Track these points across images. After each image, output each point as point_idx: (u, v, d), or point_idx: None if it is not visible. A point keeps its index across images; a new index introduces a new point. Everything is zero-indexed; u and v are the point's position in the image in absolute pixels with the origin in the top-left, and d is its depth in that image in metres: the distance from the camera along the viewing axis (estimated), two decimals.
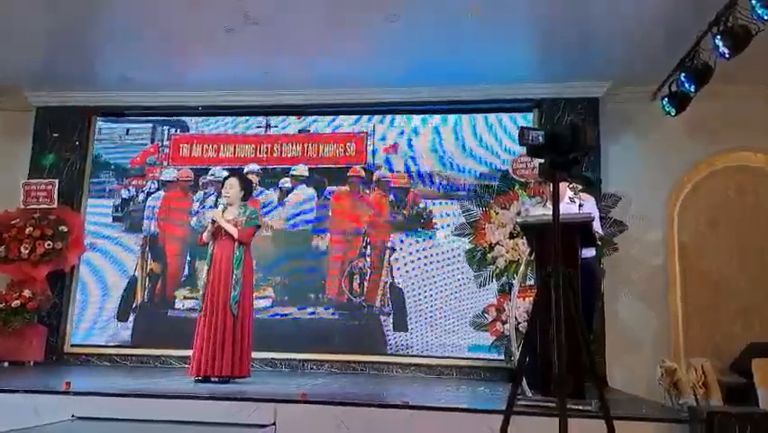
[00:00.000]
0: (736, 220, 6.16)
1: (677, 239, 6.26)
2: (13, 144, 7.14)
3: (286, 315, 6.59)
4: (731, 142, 6.28)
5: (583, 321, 2.63)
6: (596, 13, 5.07)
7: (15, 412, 3.71)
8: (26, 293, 6.18)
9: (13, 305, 6.08)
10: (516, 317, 4.92)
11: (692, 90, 5.33)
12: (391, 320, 6.49)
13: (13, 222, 6.49)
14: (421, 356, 6.34)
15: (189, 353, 4.90)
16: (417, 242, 6.61)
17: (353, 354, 6.37)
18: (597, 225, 4.34)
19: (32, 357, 6.27)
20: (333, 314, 6.57)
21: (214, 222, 4.92)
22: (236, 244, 4.89)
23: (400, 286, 6.55)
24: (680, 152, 6.32)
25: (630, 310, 6.16)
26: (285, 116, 7.09)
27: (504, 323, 5.62)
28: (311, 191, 6.89)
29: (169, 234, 7.00)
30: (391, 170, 6.79)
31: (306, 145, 6.99)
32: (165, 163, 7.15)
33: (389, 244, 6.64)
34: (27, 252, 6.28)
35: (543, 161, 2.57)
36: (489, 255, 5.92)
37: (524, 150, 2.61)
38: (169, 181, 7.10)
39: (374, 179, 6.80)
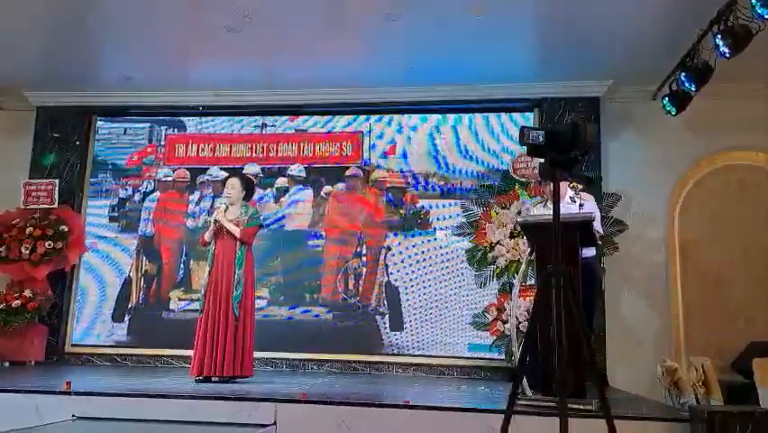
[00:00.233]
0: (737, 219, 6.15)
1: (677, 238, 6.26)
2: (13, 144, 7.15)
3: (281, 315, 6.58)
4: (732, 141, 6.28)
5: (584, 320, 2.63)
6: (596, 12, 5.06)
7: (16, 412, 3.72)
8: (27, 293, 6.19)
9: (13, 305, 6.09)
10: (516, 317, 4.92)
11: (693, 89, 5.33)
12: (387, 320, 6.48)
13: (13, 222, 6.50)
14: (421, 356, 6.34)
15: (190, 353, 4.89)
16: (415, 243, 6.59)
17: (351, 353, 6.37)
18: (597, 225, 4.34)
19: (33, 357, 6.28)
20: (328, 312, 6.56)
21: (216, 222, 4.92)
22: (238, 243, 4.90)
23: (396, 285, 6.54)
24: (680, 151, 6.32)
25: (631, 309, 6.16)
26: (282, 116, 7.09)
27: (504, 322, 5.62)
28: (307, 191, 6.88)
29: (165, 235, 6.98)
30: (389, 170, 6.78)
31: (301, 145, 6.98)
32: (161, 163, 7.14)
33: (386, 244, 6.63)
34: (28, 252, 6.29)
35: (543, 160, 2.57)
36: (489, 255, 5.92)
37: (524, 149, 2.61)
38: (164, 181, 7.09)
39: (371, 178, 6.79)
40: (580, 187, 4.35)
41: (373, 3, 5.09)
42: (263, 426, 3.57)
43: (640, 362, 5.80)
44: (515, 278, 5.34)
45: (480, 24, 5.31)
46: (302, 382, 5.14)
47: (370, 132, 6.90)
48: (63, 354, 6.65)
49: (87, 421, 3.67)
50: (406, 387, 5.13)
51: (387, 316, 6.50)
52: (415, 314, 6.47)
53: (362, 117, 6.94)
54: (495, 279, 5.92)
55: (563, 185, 4.23)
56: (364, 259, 6.66)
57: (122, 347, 6.67)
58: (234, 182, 5.08)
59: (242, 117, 7.13)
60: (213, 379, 4.69)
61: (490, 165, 6.61)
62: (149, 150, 7.20)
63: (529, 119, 6.63)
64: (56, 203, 6.63)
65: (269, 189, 6.91)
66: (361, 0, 5.08)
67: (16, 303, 6.09)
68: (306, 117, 7.04)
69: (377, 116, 6.91)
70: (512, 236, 5.81)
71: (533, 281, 5.00)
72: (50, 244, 6.33)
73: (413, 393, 4.55)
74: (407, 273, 6.55)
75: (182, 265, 6.89)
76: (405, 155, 6.81)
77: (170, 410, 3.71)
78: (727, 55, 4.57)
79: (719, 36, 4.57)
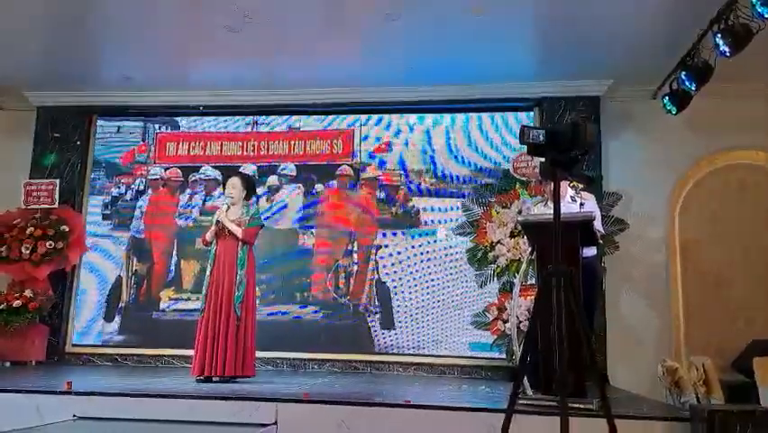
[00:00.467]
0: (737, 218, 6.15)
1: (678, 237, 6.26)
2: (13, 144, 7.15)
3: (273, 313, 6.56)
4: (732, 140, 6.27)
5: (585, 319, 2.63)
6: (596, 12, 5.06)
7: (17, 412, 3.71)
8: (27, 293, 6.19)
9: (14, 305, 6.09)
10: (517, 316, 4.92)
11: (693, 89, 5.33)
12: (377, 319, 6.48)
13: (14, 222, 6.50)
14: (422, 355, 6.34)
15: (191, 353, 4.90)
16: (407, 241, 6.59)
17: (346, 353, 6.37)
18: (598, 224, 4.34)
19: (34, 357, 6.28)
20: (316, 312, 6.54)
21: (218, 222, 4.92)
22: (240, 244, 4.89)
23: (386, 283, 6.54)
24: (681, 151, 6.32)
25: (631, 309, 6.16)
26: (282, 116, 7.08)
27: (505, 322, 5.62)
28: (299, 189, 6.87)
29: (156, 234, 6.96)
30: (381, 168, 6.77)
31: (293, 143, 6.96)
32: (153, 162, 7.12)
33: (377, 243, 6.62)
34: (28, 252, 6.29)
35: (543, 159, 2.57)
36: (490, 254, 5.92)
37: (524, 148, 2.61)
38: (155, 180, 7.08)
39: (363, 177, 6.78)
40: (581, 186, 4.35)
41: (373, 3, 5.09)
42: (264, 425, 3.57)
43: (640, 361, 5.80)
44: (515, 277, 5.34)
45: (480, 24, 5.31)
46: (302, 381, 5.14)
47: (360, 126, 6.88)
48: (64, 354, 6.64)
49: (88, 421, 3.67)
50: (406, 386, 5.13)
51: (378, 314, 6.49)
52: (406, 313, 6.46)
53: (363, 117, 6.92)
54: (495, 278, 5.91)
55: (564, 184, 4.24)
56: (355, 257, 6.65)
57: (122, 347, 6.66)
58: (235, 182, 5.07)
59: (234, 116, 7.12)
60: (214, 379, 4.69)
61: (488, 164, 6.61)
62: (142, 148, 7.18)
63: (530, 118, 6.62)
64: (56, 203, 6.63)
65: (260, 188, 6.90)
66: (360, 0, 5.08)
67: (17, 303, 6.09)
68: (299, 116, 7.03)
69: (373, 115, 6.89)
70: (512, 236, 5.81)
71: (533, 281, 5.01)
72: (50, 244, 6.33)
73: (413, 393, 4.55)
74: (397, 271, 6.55)
75: (173, 265, 6.87)
76: (398, 153, 6.78)
77: (171, 410, 3.71)
78: (728, 54, 4.57)
79: (719, 35, 4.57)
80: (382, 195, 6.73)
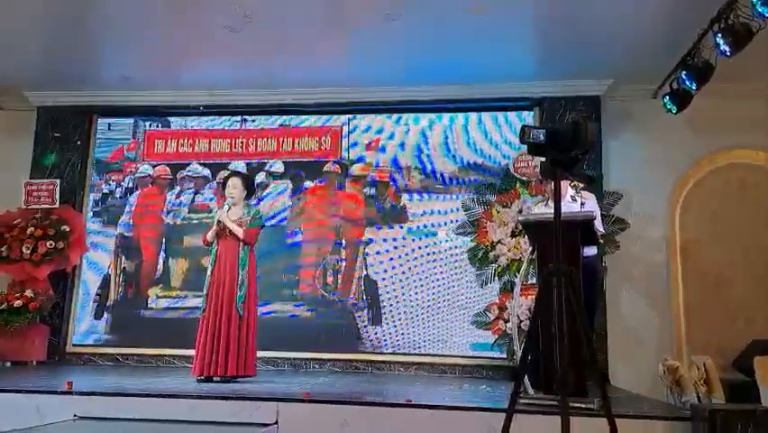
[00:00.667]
0: (737, 217, 6.15)
1: (679, 236, 6.26)
2: (14, 144, 7.15)
3: (265, 313, 6.50)
4: (732, 140, 6.28)
5: (585, 319, 2.63)
6: (596, 12, 5.06)
7: (18, 412, 3.72)
8: (28, 293, 6.18)
9: (15, 305, 6.08)
10: (518, 316, 4.92)
11: (693, 88, 5.34)
12: (366, 315, 6.47)
13: (14, 222, 6.49)
14: (423, 355, 6.34)
15: (191, 352, 4.89)
16: (395, 237, 6.59)
17: (347, 353, 6.37)
18: (598, 224, 4.35)
19: (35, 357, 6.28)
20: (307, 310, 6.53)
21: (219, 222, 4.91)
22: (241, 244, 4.89)
23: (375, 280, 6.53)
24: (681, 150, 6.32)
25: (632, 308, 6.16)
26: (282, 116, 7.06)
27: (506, 321, 5.62)
28: (287, 186, 6.85)
29: (144, 232, 6.94)
30: (370, 165, 6.76)
31: (281, 140, 6.95)
32: (141, 159, 7.11)
33: (365, 238, 6.61)
34: (29, 252, 6.28)
35: (544, 159, 2.58)
36: (490, 254, 5.92)
37: (524, 147, 2.61)
38: (144, 177, 7.07)
39: (351, 173, 6.77)
40: (581, 185, 4.36)
41: (373, 3, 5.09)
42: (265, 425, 3.57)
43: (641, 361, 5.80)
44: (516, 277, 5.35)
45: (480, 24, 5.31)
46: (303, 381, 5.14)
47: (348, 121, 6.87)
48: (64, 354, 6.64)
49: (89, 421, 3.67)
50: (407, 386, 5.13)
51: (365, 310, 6.48)
52: (394, 309, 6.46)
53: (357, 114, 6.91)
54: (496, 278, 5.92)
55: (564, 184, 4.24)
56: (343, 254, 6.64)
57: (123, 347, 6.65)
58: (236, 182, 5.07)
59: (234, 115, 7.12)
60: (214, 379, 4.69)
61: (480, 159, 6.60)
62: (131, 146, 7.16)
63: (530, 118, 6.62)
64: (57, 203, 6.62)
65: None
66: (360, 0, 5.08)
67: (18, 303, 6.09)
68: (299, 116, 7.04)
69: (368, 114, 6.89)
70: (513, 235, 5.81)
71: (534, 280, 5.01)
72: (51, 244, 6.33)
73: (414, 392, 4.55)
74: (386, 269, 6.54)
75: (162, 262, 6.86)
76: (388, 151, 6.77)
77: (172, 410, 3.71)
78: (728, 54, 4.57)
79: (720, 35, 4.57)
80: (372, 191, 6.72)
